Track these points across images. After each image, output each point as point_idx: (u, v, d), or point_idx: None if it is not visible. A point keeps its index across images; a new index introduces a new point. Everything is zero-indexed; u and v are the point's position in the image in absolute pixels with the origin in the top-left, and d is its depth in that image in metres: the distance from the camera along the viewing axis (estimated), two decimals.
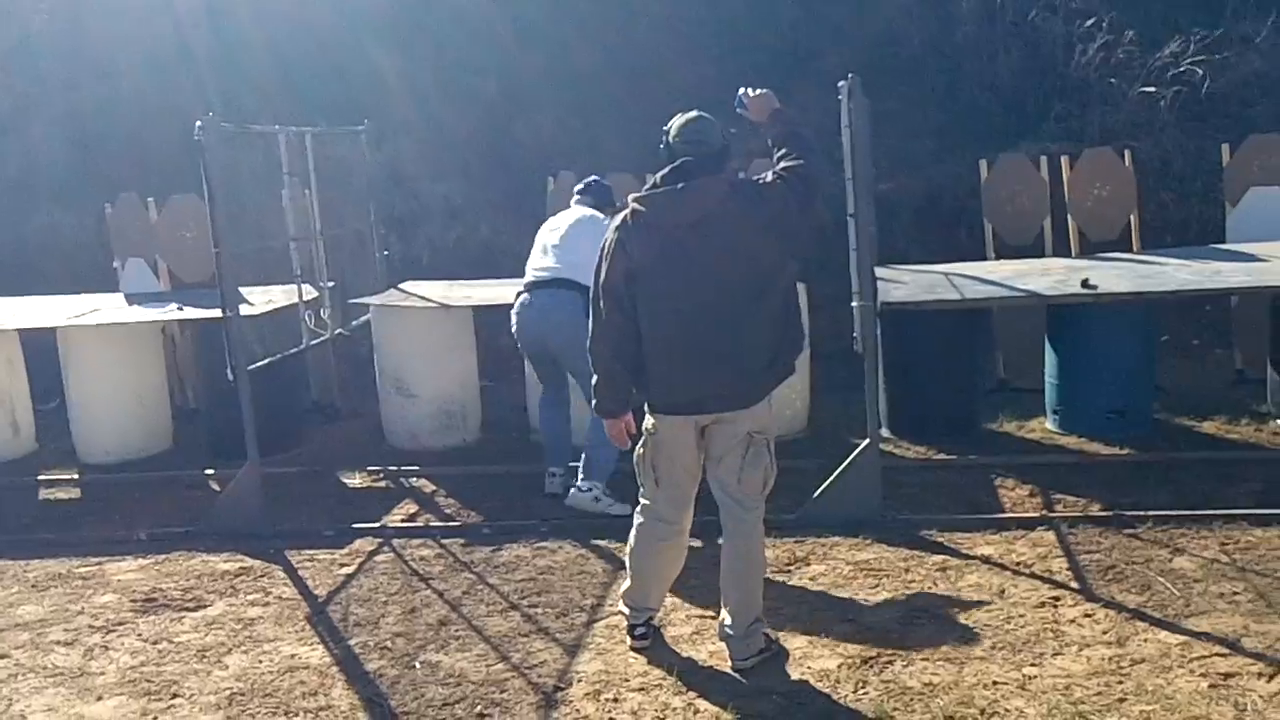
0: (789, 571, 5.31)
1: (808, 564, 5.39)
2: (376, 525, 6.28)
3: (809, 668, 4.39)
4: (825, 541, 5.62)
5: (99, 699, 4.49)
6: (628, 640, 4.64)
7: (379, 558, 5.84)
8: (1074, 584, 4.99)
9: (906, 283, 7.05)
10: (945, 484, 6.43)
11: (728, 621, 4.42)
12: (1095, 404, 7.05)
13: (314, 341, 7.65)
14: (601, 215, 6.19)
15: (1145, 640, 4.43)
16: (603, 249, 4.35)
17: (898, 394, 7.35)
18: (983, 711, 3.98)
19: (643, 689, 4.30)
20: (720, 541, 4.49)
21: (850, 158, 5.70)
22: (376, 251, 8.53)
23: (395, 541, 6.03)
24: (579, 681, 4.39)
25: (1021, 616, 4.71)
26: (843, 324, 6.34)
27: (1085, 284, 6.55)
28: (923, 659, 4.39)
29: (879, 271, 6.24)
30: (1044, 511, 5.89)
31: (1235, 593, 4.79)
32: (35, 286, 9.12)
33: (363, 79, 10.67)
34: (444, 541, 5.98)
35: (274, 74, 10.64)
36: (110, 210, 9.21)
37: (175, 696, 4.48)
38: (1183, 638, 4.43)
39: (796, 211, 4.24)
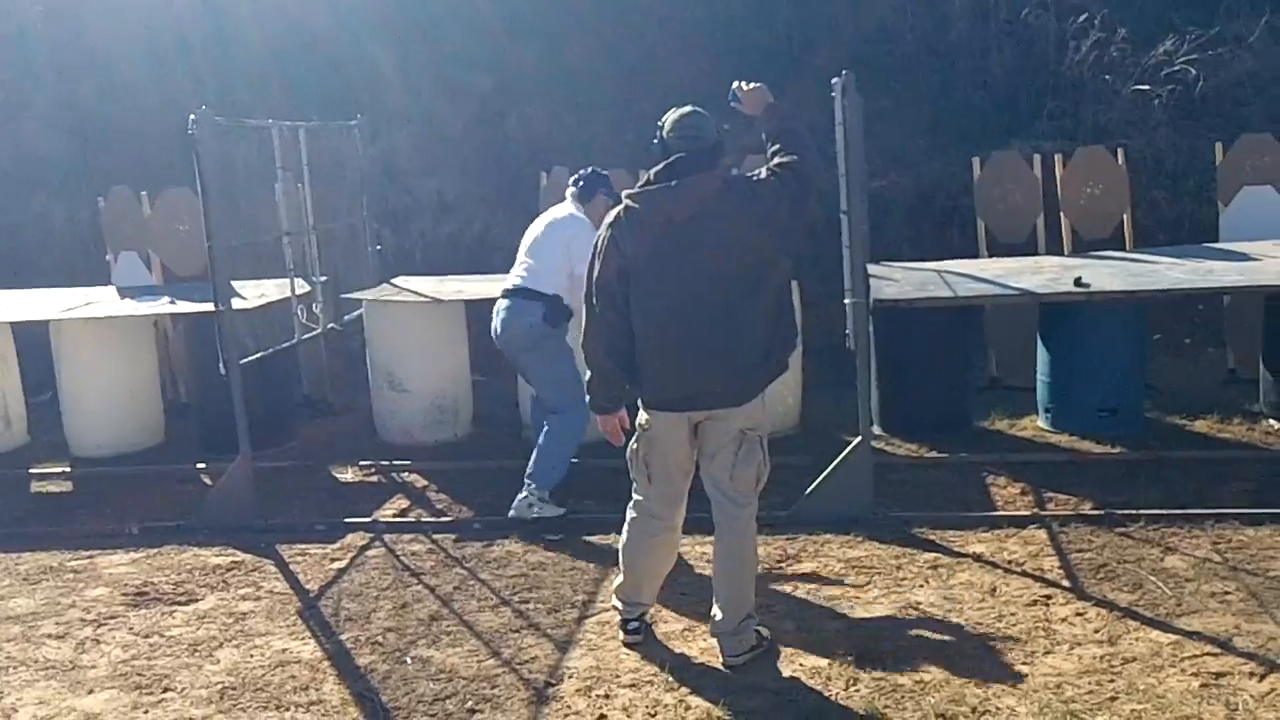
0: (781, 568, 5.32)
1: (799, 561, 5.40)
2: (368, 520, 6.27)
3: (800, 665, 4.39)
4: (817, 539, 5.62)
5: (90, 692, 4.49)
6: (619, 636, 4.64)
7: (370, 552, 5.83)
8: (1065, 582, 5.00)
9: (899, 280, 7.06)
10: (937, 482, 6.44)
11: (719, 618, 4.42)
12: (1087, 402, 7.06)
13: (306, 336, 7.65)
14: (583, 216, 6.16)
15: (1137, 639, 4.44)
16: (595, 245, 4.35)
17: (890, 391, 7.37)
18: (974, 709, 3.98)
19: (634, 685, 4.30)
20: (712, 538, 4.49)
21: (843, 155, 5.70)
22: (369, 246, 8.53)
23: (387, 536, 6.02)
24: (570, 677, 4.39)
25: (1013, 615, 4.71)
26: (835, 321, 6.36)
27: (1078, 282, 6.56)
28: (914, 657, 4.39)
29: (871, 268, 6.24)
30: (1036, 510, 5.89)
31: (1227, 592, 4.79)
32: (28, 279, 9.11)
33: (357, 74, 10.68)
34: (435, 537, 5.97)
35: (269, 68, 10.65)
36: (103, 203, 9.20)
37: (166, 690, 4.47)
38: (1174, 637, 4.43)
39: (790, 208, 4.22)
